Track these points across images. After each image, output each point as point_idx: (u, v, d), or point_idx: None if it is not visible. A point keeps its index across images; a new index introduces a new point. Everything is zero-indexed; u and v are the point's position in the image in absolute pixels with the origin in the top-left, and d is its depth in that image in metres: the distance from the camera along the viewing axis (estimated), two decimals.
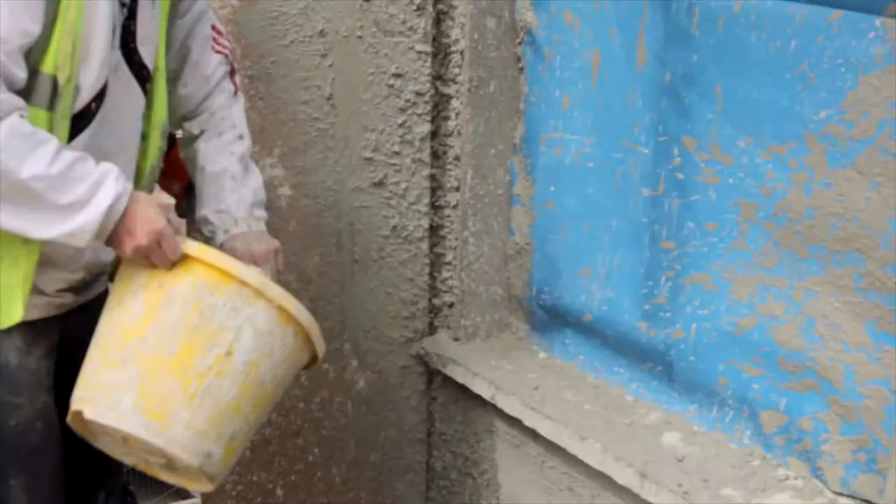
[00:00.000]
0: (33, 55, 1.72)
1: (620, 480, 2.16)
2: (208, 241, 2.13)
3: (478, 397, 2.71)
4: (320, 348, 1.96)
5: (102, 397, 1.80)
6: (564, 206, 2.57)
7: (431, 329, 2.96)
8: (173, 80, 2.12)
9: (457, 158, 2.82)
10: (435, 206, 2.85)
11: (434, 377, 2.99)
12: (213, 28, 2.18)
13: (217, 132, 2.17)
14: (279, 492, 3.02)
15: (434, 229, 2.87)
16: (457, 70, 2.74)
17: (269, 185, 2.69)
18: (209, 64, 2.17)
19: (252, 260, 2.02)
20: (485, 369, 2.66)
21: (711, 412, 2.22)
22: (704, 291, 2.16)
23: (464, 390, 2.79)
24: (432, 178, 2.84)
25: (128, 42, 1.93)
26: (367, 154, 2.73)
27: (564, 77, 2.52)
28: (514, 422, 2.55)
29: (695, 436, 2.22)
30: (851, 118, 1.77)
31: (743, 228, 2.04)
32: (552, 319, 2.69)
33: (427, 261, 2.88)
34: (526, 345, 2.80)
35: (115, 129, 1.94)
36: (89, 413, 1.80)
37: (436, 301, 2.94)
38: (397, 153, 2.75)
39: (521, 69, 2.71)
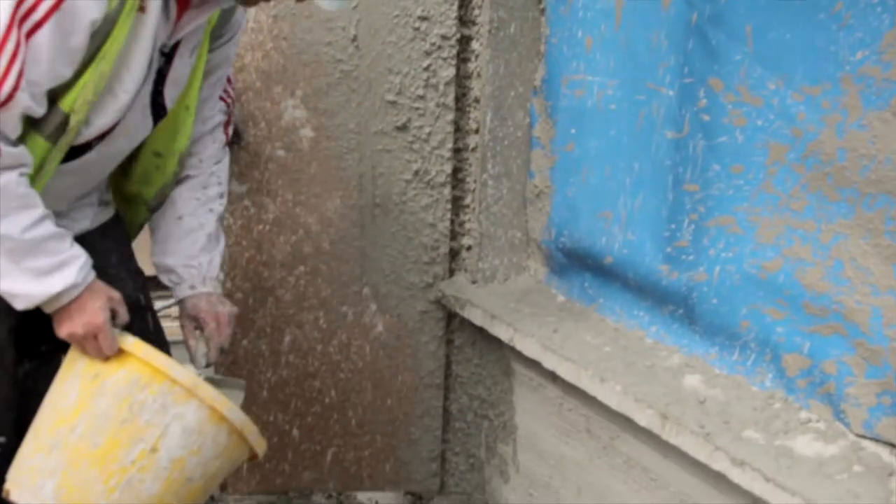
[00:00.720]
0: (54, 91, 1.75)
1: (641, 422, 2.16)
2: (167, 289, 2.26)
3: (495, 339, 2.71)
4: (259, 447, 2.00)
5: (28, 481, 1.87)
6: (585, 149, 2.56)
7: (450, 273, 2.96)
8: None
9: (476, 101, 2.81)
10: (454, 149, 2.84)
11: (451, 320, 2.99)
12: (227, 77, 2.24)
13: (202, 184, 2.25)
14: (295, 433, 3.05)
15: (453, 172, 2.86)
16: (477, 11, 2.72)
17: (291, 127, 2.69)
18: (212, 107, 2.23)
19: (216, 320, 2.18)
20: (503, 311, 2.66)
21: (733, 355, 2.22)
22: (729, 234, 2.15)
23: (481, 333, 2.79)
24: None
25: (157, 84, 1.98)
26: (391, 97, 2.71)
27: (587, 18, 2.50)
28: (532, 364, 2.56)
29: (716, 378, 2.22)
30: (889, 59, 1.75)
31: (771, 171, 2.02)
32: (571, 263, 2.68)
33: (449, 206, 2.87)
34: (544, 288, 2.80)
35: (106, 155, 2.00)
36: (15, 496, 1.86)
37: (454, 244, 2.93)
38: (421, 97, 2.73)
39: (542, 10, 2.69)
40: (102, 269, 2.04)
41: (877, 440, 1.92)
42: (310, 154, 2.76)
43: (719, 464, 1.98)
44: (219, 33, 2.12)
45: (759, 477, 1.88)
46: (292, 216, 2.82)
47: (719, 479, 2.03)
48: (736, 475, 1.94)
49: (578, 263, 2.65)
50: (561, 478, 2.62)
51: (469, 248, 2.91)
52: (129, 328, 2.07)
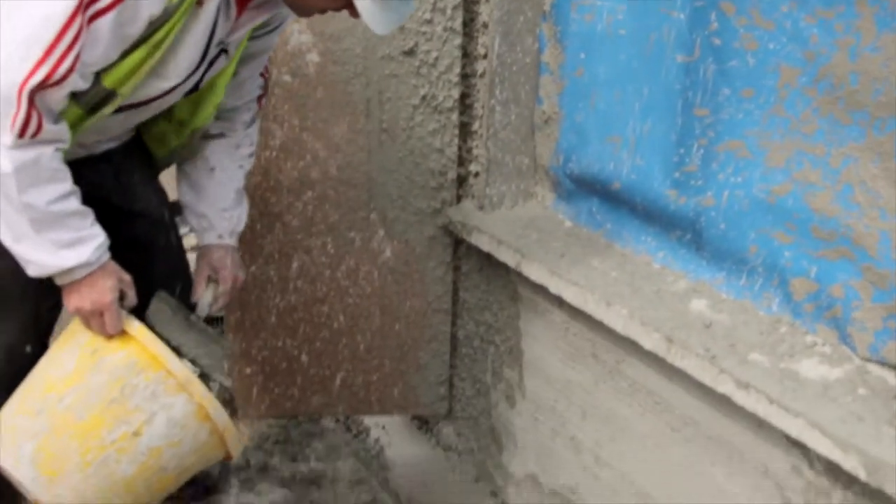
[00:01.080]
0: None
1: (647, 345, 2.18)
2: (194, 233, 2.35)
3: (502, 265, 2.72)
4: (234, 451, 2.04)
5: (8, 439, 1.90)
6: (595, 74, 2.54)
7: (458, 199, 2.96)
8: None
9: (484, 25, 2.78)
10: (461, 75, 2.82)
11: (458, 246, 3.00)
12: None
13: (235, 144, 2.30)
14: (304, 358, 3.07)
15: (460, 98, 2.84)
16: None
17: (297, 52, 2.67)
18: (252, 85, 2.28)
19: (233, 281, 2.31)
20: (510, 237, 2.66)
21: (740, 280, 2.22)
22: (738, 158, 2.14)
23: (488, 259, 2.80)
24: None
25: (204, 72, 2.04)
26: None
27: None
28: (538, 289, 2.56)
29: (723, 303, 2.23)
30: None
31: (782, 94, 2.01)
32: (579, 188, 2.68)
33: (456, 132, 2.85)
34: (552, 214, 2.80)
35: (131, 118, 2.06)
36: None
37: (461, 170, 2.93)
38: (428, 21, 2.70)
39: None
40: (128, 186, 2.12)
41: (882, 363, 1.94)
42: (316, 79, 2.74)
43: (724, 386, 1.99)
44: (264, 26, 2.14)
45: (764, 399, 1.90)
46: (299, 142, 2.81)
47: (724, 402, 2.05)
48: (740, 397, 1.96)
49: (586, 189, 2.65)
50: (566, 402, 2.64)
51: (476, 174, 2.90)
52: (154, 244, 2.25)
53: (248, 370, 3.05)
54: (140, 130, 2.25)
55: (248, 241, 2.90)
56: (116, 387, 1.88)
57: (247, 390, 3.08)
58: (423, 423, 3.40)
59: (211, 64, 2.02)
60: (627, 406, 2.42)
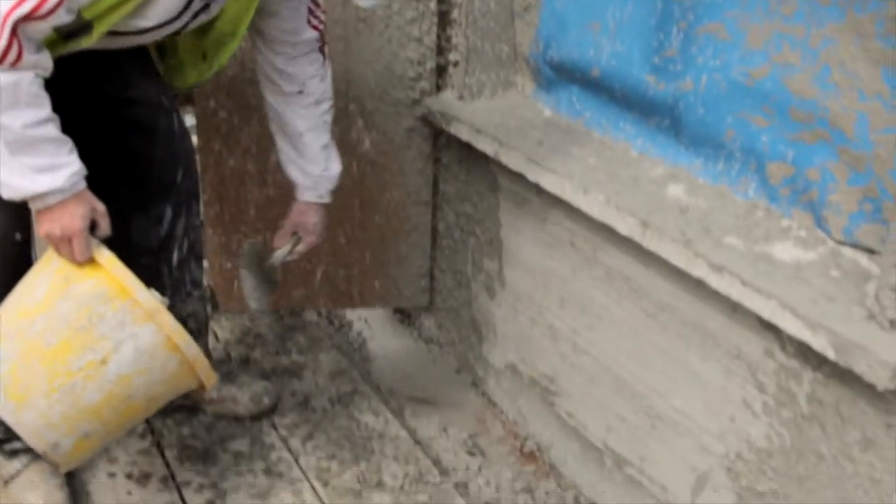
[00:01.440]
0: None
1: (622, 231, 2.17)
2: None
3: (481, 155, 2.70)
4: (208, 381, 2.04)
5: None
6: None
7: (437, 89, 2.92)
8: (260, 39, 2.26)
9: None
10: None
11: (438, 137, 2.97)
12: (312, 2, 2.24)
13: (314, 99, 2.35)
14: None
15: None
16: None
17: None
18: (297, 33, 2.25)
19: (311, 245, 2.49)
20: (489, 126, 2.64)
21: (717, 165, 2.21)
22: (717, 41, 2.11)
23: (467, 149, 2.77)
24: None
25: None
26: None
27: None
28: (516, 178, 2.55)
29: (699, 188, 2.22)
30: None
31: None
32: (559, 76, 2.64)
33: (435, 20, 2.80)
34: (531, 103, 2.77)
35: (108, 44, 2.02)
36: None
37: (440, 60, 2.88)
38: None
39: None
40: (122, 73, 2.18)
41: (856, 246, 1.93)
42: None
43: (698, 270, 1.99)
44: None
45: (737, 282, 1.90)
46: None
47: (698, 286, 2.05)
48: (714, 280, 1.96)
49: (566, 77, 2.61)
50: (544, 291, 2.65)
51: (456, 63, 2.86)
52: (156, 127, 2.27)
53: (228, 264, 3.05)
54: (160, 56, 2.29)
55: (226, 135, 2.87)
56: (84, 314, 1.89)
57: (227, 284, 3.07)
58: (405, 317, 3.42)
59: (195, 16, 2.00)
60: (604, 294, 2.43)
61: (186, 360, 1.96)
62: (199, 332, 2.52)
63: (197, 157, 2.53)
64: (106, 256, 1.92)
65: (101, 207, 1.95)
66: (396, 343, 3.33)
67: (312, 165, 2.40)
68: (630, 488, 2.49)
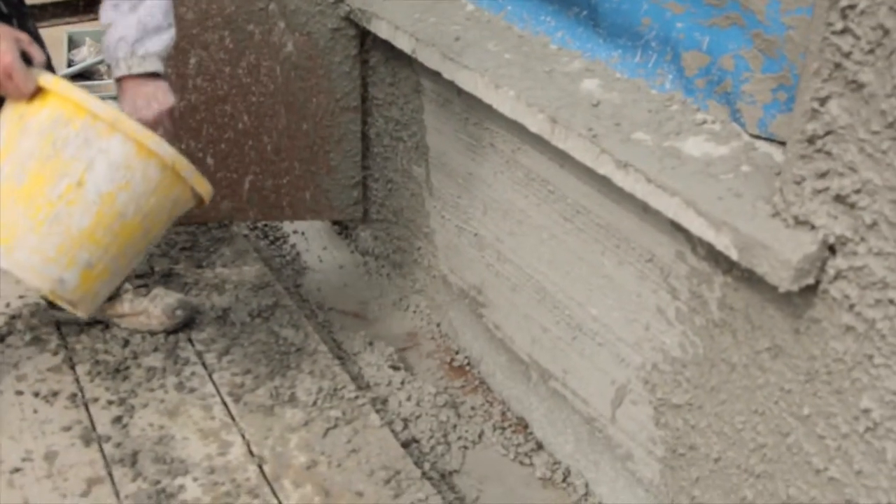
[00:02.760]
0: None
1: (532, 128, 2.03)
2: None
3: (404, 56, 2.54)
4: (199, 187, 1.95)
5: None
6: None
7: None
8: None
9: None
10: None
11: (365, 39, 2.82)
12: None
13: None
14: (209, 161, 2.93)
15: None
16: None
17: None
18: None
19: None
20: (407, 22, 2.48)
21: (635, 57, 2.06)
22: None
23: (392, 49, 2.62)
24: None
25: None
26: None
27: None
28: (437, 78, 2.40)
29: (615, 82, 2.07)
30: None
31: None
32: None
33: None
34: None
35: None
36: None
37: None
38: None
39: None
40: None
41: (770, 140, 1.79)
42: None
43: (604, 167, 1.85)
44: None
45: (642, 178, 1.77)
46: None
47: (610, 187, 1.92)
48: (619, 177, 1.82)
49: None
50: (469, 196, 2.52)
51: None
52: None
53: None
54: None
55: None
56: (48, 143, 1.80)
57: None
58: (343, 229, 3.29)
59: None
60: (524, 197, 2.29)
61: (166, 162, 1.86)
62: None
63: None
64: (51, 80, 1.82)
65: (24, 36, 1.83)
66: (332, 256, 3.22)
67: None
68: (555, 402, 2.39)
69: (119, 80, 1.98)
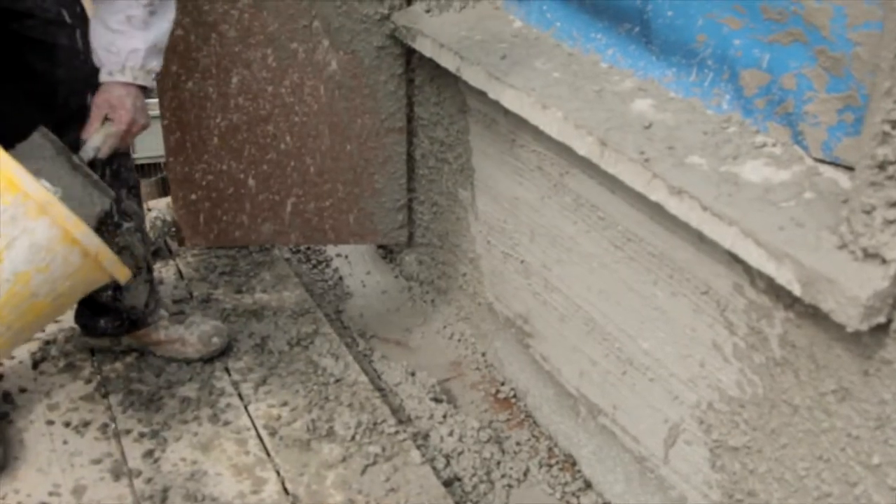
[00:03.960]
0: None
1: (580, 150, 1.92)
2: None
3: (450, 75, 2.44)
4: (118, 273, 1.89)
5: None
6: None
7: (407, 3, 2.67)
8: None
9: None
10: None
11: (411, 57, 2.72)
12: None
13: None
14: (251, 182, 2.86)
15: None
16: None
17: None
18: None
19: (130, 123, 2.01)
20: (452, 40, 2.38)
21: (690, 76, 1.94)
22: None
23: (437, 68, 2.52)
24: None
25: None
26: None
27: None
28: (483, 97, 2.29)
29: (669, 102, 1.95)
30: None
31: None
32: None
33: None
34: (502, 14, 2.51)
35: None
36: None
37: None
38: None
39: None
40: None
41: (836, 164, 1.66)
42: None
43: (657, 194, 1.74)
44: None
45: (697, 206, 1.64)
46: None
47: (663, 215, 1.80)
48: (673, 205, 1.70)
49: None
50: (515, 221, 2.41)
51: None
52: (56, 45, 2.06)
53: (192, 196, 2.85)
54: None
55: (183, 55, 2.66)
56: None
57: (193, 217, 2.88)
58: (388, 253, 3.20)
59: None
60: (573, 223, 2.18)
61: (89, 252, 1.81)
62: (136, 267, 2.32)
63: None
64: None
65: None
66: (375, 281, 3.12)
67: (96, 40, 1.99)
68: (605, 439, 2.27)
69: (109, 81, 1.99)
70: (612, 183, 1.96)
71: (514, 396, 2.56)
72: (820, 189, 1.62)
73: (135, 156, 2.57)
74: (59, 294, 1.85)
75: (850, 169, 1.62)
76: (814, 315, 1.57)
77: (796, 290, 1.48)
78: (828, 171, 1.66)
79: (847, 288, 1.39)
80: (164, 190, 3.66)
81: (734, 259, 1.70)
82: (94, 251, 1.81)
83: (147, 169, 7.06)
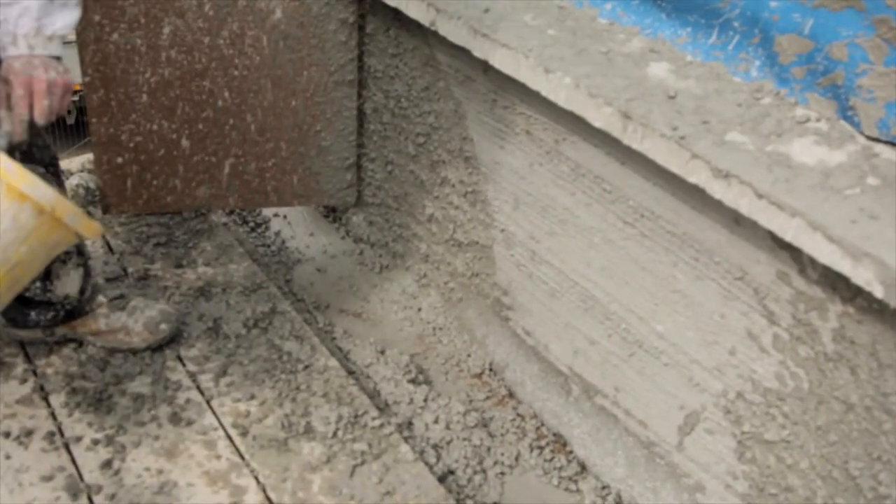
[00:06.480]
0: None
1: (596, 122, 1.74)
2: None
3: (411, 24, 2.22)
4: (86, 231, 1.68)
5: None
6: None
7: None
8: None
9: None
10: None
11: (362, 2, 2.48)
12: None
13: None
14: (184, 143, 2.61)
15: None
16: None
17: None
18: None
19: (26, 86, 1.70)
20: None
21: (709, 37, 1.77)
22: None
23: (396, 15, 2.29)
24: None
25: None
26: None
27: None
28: (459, 52, 2.08)
29: (688, 67, 1.78)
30: None
31: None
32: None
33: None
34: None
35: None
36: None
37: None
38: None
39: None
40: None
41: (894, 144, 1.53)
42: None
43: (697, 175, 1.57)
44: None
45: (750, 192, 1.49)
46: None
47: (694, 194, 1.64)
48: (718, 189, 1.54)
49: None
50: (495, 188, 2.22)
51: None
52: None
53: (118, 159, 2.57)
54: None
55: (106, 3, 2.37)
56: None
57: (119, 183, 2.60)
58: (331, 211, 2.97)
59: None
60: (569, 194, 2.01)
61: (43, 207, 1.58)
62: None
63: None
64: None
65: None
66: (320, 243, 2.90)
67: None
68: (602, 420, 2.13)
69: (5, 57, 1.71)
70: (625, 154, 1.79)
71: (491, 370, 2.41)
72: (883, 174, 1.49)
73: None
74: (17, 262, 1.64)
75: None
76: (879, 311, 1.45)
77: (878, 293, 1.34)
78: (885, 152, 1.52)
79: None
80: None
81: (779, 245, 1.56)
82: (49, 205, 1.58)
83: None
